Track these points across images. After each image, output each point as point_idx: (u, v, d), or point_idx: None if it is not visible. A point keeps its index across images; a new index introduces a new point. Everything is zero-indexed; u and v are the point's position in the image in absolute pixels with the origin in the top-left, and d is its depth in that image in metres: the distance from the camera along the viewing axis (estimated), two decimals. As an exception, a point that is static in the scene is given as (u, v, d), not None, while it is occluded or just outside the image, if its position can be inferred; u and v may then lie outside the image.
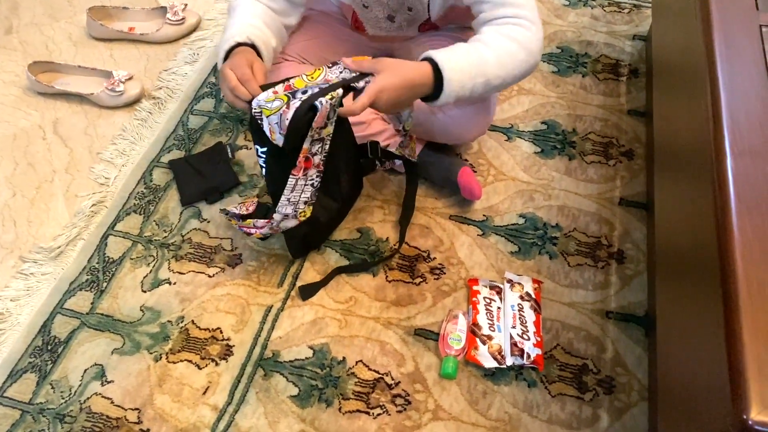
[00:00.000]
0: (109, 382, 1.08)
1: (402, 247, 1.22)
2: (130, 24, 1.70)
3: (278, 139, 0.97)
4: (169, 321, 1.14)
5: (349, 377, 1.07)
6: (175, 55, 1.64)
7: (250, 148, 1.40)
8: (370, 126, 1.25)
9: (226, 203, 1.31)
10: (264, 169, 1.07)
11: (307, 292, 1.17)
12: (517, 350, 1.07)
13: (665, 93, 1.18)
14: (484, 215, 1.28)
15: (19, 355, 1.12)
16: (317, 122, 0.97)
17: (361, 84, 0.99)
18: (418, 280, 1.19)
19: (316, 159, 1.04)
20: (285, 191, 1.03)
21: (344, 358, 1.09)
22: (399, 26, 1.25)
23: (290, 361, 1.09)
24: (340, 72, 1.01)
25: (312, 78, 1.00)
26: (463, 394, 1.05)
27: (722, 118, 0.79)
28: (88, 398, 1.06)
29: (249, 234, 1.11)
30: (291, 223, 1.09)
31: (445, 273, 1.19)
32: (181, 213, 1.30)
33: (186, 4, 1.69)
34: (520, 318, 1.10)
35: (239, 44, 1.08)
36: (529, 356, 1.06)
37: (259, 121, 0.97)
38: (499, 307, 1.13)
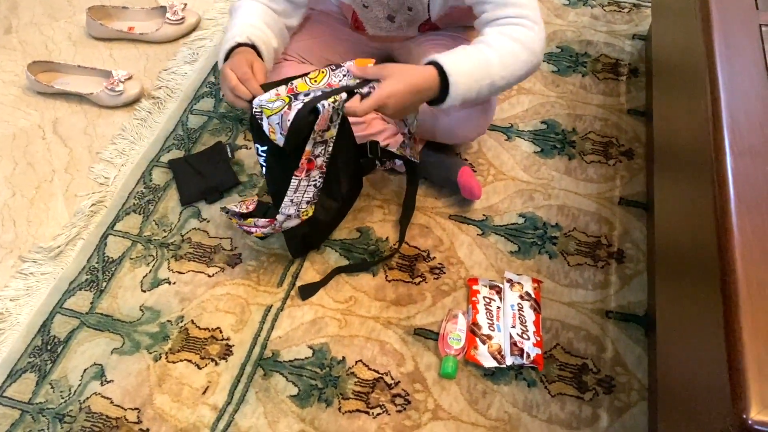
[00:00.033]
0: (108, 382, 1.08)
1: (402, 246, 1.22)
2: (129, 23, 1.69)
3: (279, 140, 0.97)
4: (168, 321, 1.14)
5: (349, 377, 1.07)
6: (175, 55, 1.64)
7: (250, 148, 1.40)
8: (370, 126, 1.25)
9: (225, 203, 1.31)
10: (264, 168, 1.07)
11: (307, 291, 1.17)
12: (517, 350, 1.07)
13: (665, 92, 1.18)
14: (483, 215, 1.28)
15: (18, 354, 1.12)
16: (319, 125, 0.97)
17: (365, 90, 0.99)
18: (417, 279, 1.19)
19: (319, 161, 1.04)
20: (288, 192, 1.03)
21: (344, 357, 1.09)
22: (399, 26, 1.25)
23: (290, 361, 1.09)
24: (344, 75, 1.01)
25: (315, 81, 1.00)
26: (462, 394, 1.05)
27: (722, 117, 0.79)
28: (87, 398, 1.06)
29: (249, 233, 1.11)
30: (293, 223, 1.10)
31: (444, 273, 1.19)
32: (181, 213, 1.30)
33: (185, 4, 1.69)
34: (519, 317, 1.10)
35: (240, 45, 1.08)
36: (528, 356, 1.06)
37: (259, 121, 0.97)
38: (498, 307, 1.13)
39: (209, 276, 1.20)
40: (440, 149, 1.31)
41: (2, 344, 1.13)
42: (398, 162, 1.27)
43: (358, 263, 1.21)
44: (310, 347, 1.11)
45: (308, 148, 0.99)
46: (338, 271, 1.19)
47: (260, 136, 1.01)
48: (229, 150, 1.38)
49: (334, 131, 1.02)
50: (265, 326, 1.13)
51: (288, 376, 1.07)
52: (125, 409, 1.05)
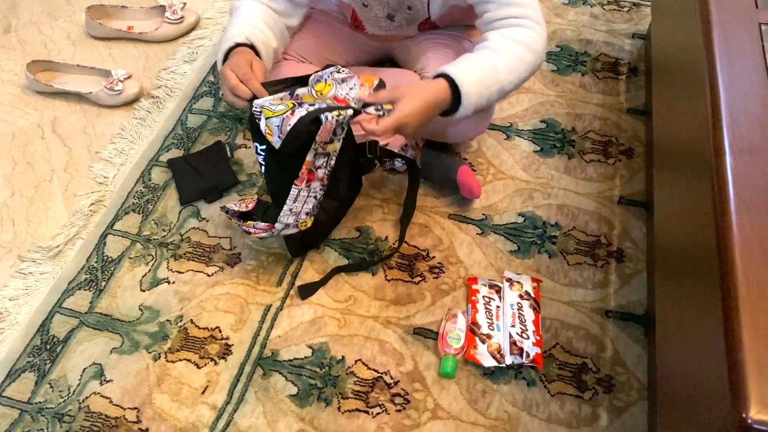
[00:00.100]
0: (107, 382, 1.08)
1: (401, 246, 1.22)
2: (128, 23, 1.69)
3: (275, 142, 0.97)
4: (168, 320, 1.14)
5: (348, 376, 1.07)
6: (174, 54, 1.63)
7: (249, 147, 1.40)
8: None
9: (224, 202, 1.30)
10: (263, 167, 1.07)
11: (306, 291, 1.17)
12: (517, 349, 1.06)
13: (665, 91, 1.18)
14: (483, 214, 1.28)
15: (17, 354, 1.12)
16: (321, 136, 0.97)
17: (371, 109, 0.99)
18: (417, 279, 1.19)
19: (320, 172, 1.04)
20: (287, 201, 1.04)
21: (343, 357, 1.09)
22: (399, 25, 1.25)
23: (289, 361, 1.09)
24: (350, 89, 1.01)
25: (321, 94, 1.00)
26: (462, 393, 1.05)
27: (722, 116, 0.79)
28: (86, 397, 1.06)
29: (248, 233, 1.11)
30: (291, 231, 1.10)
31: (444, 272, 1.19)
32: (180, 212, 1.30)
33: (185, 3, 1.69)
34: (519, 317, 1.10)
35: (238, 45, 1.08)
36: (528, 355, 1.06)
37: (257, 120, 0.97)
38: (498, 306, 1.13)
39: (208, 275, 1.20)
40: (440, 149, 1.31)
41: (1, 344, 1.13)
42: (398, 162, 1.26)
43: (357, 263, 1.21)
44: (310, 347, 1.10)
45: (309, 158, 1.00)
46: (338, 270, 1.19)
47: (259, 136, 1.01)
48: (228, 149, 1.38)
49: (337, 145, 1.03)
50: (264, 326, 1.13)
51: (287, 375, 1.07)
52: (124, 409, 1.05)
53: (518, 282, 1.15)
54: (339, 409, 1.04)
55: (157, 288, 1.19)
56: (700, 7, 0.94)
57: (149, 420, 1.03)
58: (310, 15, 1.31)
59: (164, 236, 1.26)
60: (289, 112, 0.95)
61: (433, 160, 1.29)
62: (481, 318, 1.11)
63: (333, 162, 1.05)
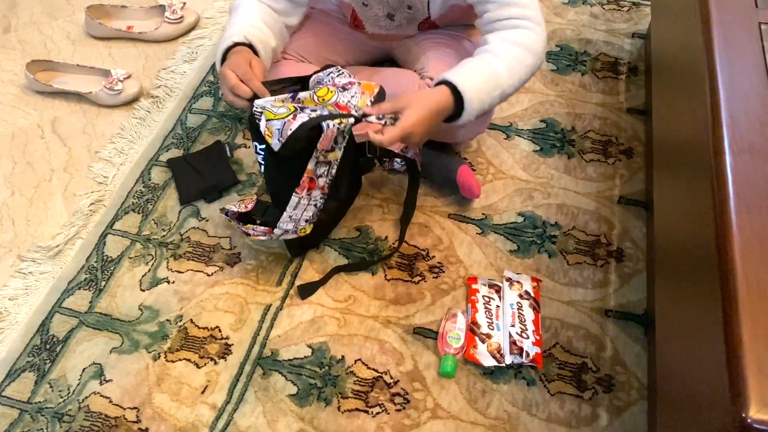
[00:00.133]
0: (107, 381, 1.08)
1: (401, 245, 1.22)
2: (128, 22, 1.69)
3: (275, 144, 0.97)
4: (167, 320, 1.14)
5: (348, 376, 1.07)
6: (174, 54, 1.63)
7: (249, 147, 1.40)
8: (369, 125, 1.24)
9: (224, 202, 1.30)
10: (263, 167, 1.07)
11: (306, 290, 1.17)
12: (516, 349, 1.06)
13: (664, 91, 1.18)
14: (483, 214, 1.28)
15: (17, 354, 1.12)
16: (322, 144, 0.97)
17: (372, 117, 1.00)
18: (417, 278, 1.19)
19: (321, 181, 1.04)
20: (287, 208, 1.04)
21: (343, 356, 1.09)
22: (398, 25, 1.25)
23: (289, 360, 1.09)
24: (352, 96, 1.01)
25: (323, 100, 1.00)
26: (462, 393, 1.05)
27: (721, 116, 0.79)
28: (86, 397, 1.06)
29: (248, 234, 1.11)
30: (290, 237, 1.10)
31: (444, 272, 1.19)
32: (180, 212, 1.30)
33: (184, 3, 1.69)
34: (519, 316, 1.10)
35: (237, 44, 1.08)
36: (528, 355, 1.06)
37: (257, 120, 0.97)
38: (498, 306, 1.13)
39: (208, 275, 1.20)
40: (440, 148, 1.31)
41: (1, 343, 1.13)
42: (398, 162, 1.26)
43: (357, 262, 1.21)
44: (310, 346, 1.10)
45: (310, 166, 1.00)
46: (337, 270, 1.19)
47: (259, 135, 1.01)
48: (228, 149, 1.38)
49: (338, 153, 1.03)
50: (264, 325, 1.13)
51: (287, 375, 1.07)
52: (124, 409, 1.05)
53: (518, 281, 1.15)
54: (339, 408, 1.04)
55: (156, 288, 1.19)
56: (700, 7, 0.94)
57: (149, 420, 1.03)
58: (309, 14, 1.31)
59: (164, 236, 1.26)
60: (291, 116, 0.95)
61: (433, 159, 1.29)
62: (481, 317, 1.11)
63: (334, 171, 1.05)
